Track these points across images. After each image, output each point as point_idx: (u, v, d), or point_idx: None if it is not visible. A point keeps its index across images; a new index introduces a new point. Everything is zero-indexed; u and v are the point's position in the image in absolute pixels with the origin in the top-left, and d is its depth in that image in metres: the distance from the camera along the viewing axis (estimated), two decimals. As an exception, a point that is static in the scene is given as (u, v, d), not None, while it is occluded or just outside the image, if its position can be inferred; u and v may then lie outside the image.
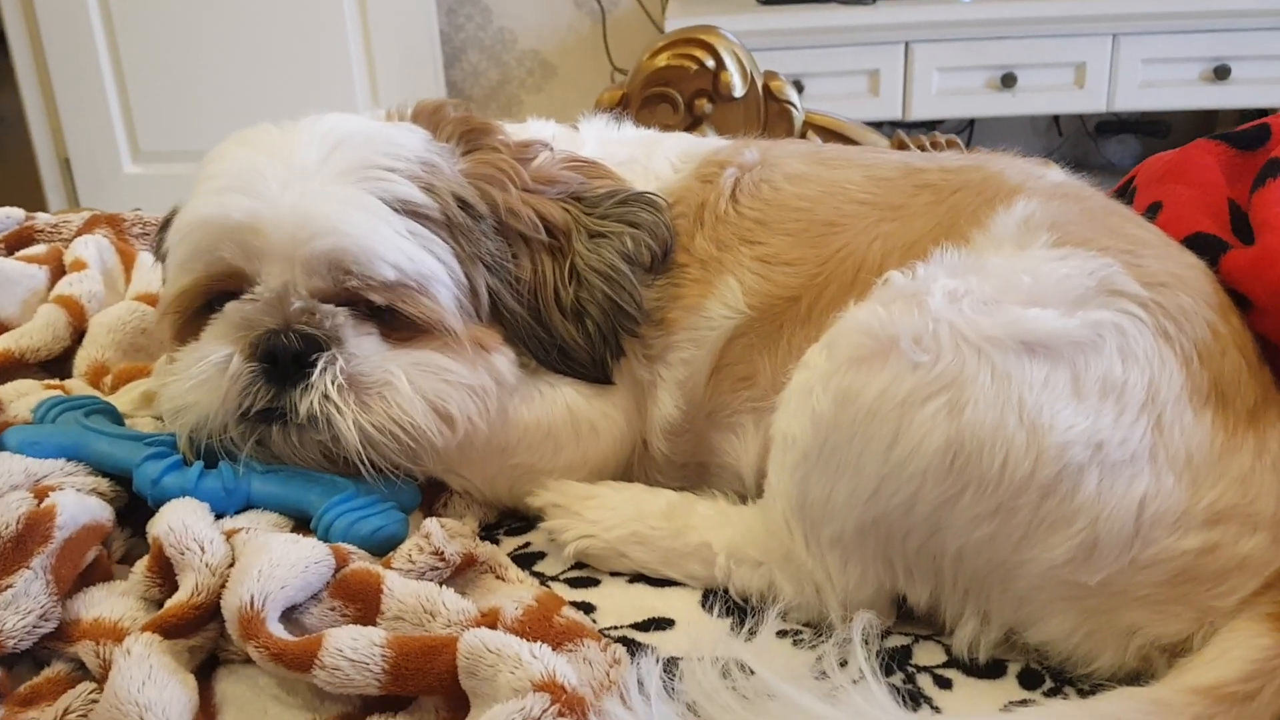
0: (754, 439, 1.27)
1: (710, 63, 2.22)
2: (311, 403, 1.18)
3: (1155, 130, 4.65)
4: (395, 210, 1.22)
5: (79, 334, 1.62)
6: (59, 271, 1.76)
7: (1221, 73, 3.85)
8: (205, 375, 1.20)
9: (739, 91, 2.23)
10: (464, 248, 1.26)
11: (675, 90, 2.26)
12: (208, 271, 1.23)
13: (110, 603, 1.09)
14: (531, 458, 1.30)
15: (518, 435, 1.29)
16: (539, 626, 1.03)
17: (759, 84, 2.25)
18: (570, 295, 1.30)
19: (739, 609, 1.15)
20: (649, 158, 1.42)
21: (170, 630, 1.04)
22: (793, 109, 2.27)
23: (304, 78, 4.27)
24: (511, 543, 1.29)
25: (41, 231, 1.93)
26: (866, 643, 1.02)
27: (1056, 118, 4.63)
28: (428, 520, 1.17)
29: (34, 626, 1.04)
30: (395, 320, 1.24)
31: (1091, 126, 4.69)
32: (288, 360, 1.19)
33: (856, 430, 1.05)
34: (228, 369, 1.19)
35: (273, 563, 1.05)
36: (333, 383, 1.18)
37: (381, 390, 1.20)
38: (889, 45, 3.87)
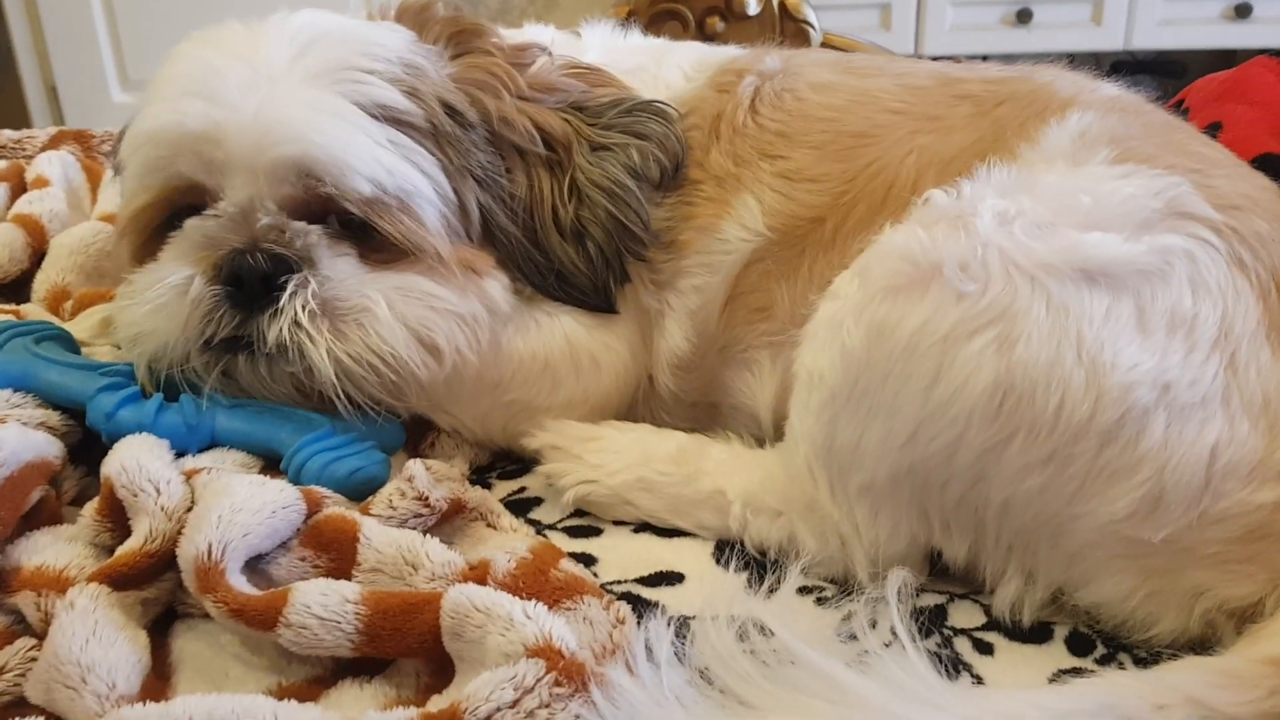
0: (771, 377, 1.15)
1: (722, -23, 2.08)
2: (281, 330, 1.06)
3: (1170, 71, 4.51)
4: (373, 116, 1.10)
5: (39, 256, 1.50)
6: (19, 189, 1.64)
7: (1243, 11, 3.72)
8: (164, 299, 1.08)
9: (753, 9, 2.09)
10: (451, 160, 1.13)
11: (685, 7, 2.12)
12: (165, 186, 1.11)
13: (55, 549, 0.97)
14: (527, 393, 1.19)
15: (511, 368, 1.18)
16: (534, 581, 0.92)
17: (774, 1, 2.11)
18: (570, 214, 1.18)
19: (755, 563, 1.04)
20: (658, 66, 1.29)
21: (120, 581, 0.92)
22: (810, 29, 2.13)
23: (289, 6, 4.10)
24: (505, 487, 1.18)
25: (3, 147, 1.80)
26: (900, 602, 0.90)
27: (1071, 56, 4.49)
28: (411, 461, 1.05)
29: (-33, 575, 0.93)
30: (374, 239, 1.12)
31: (1106, 66, 4.55)
32: (254, 282, 1.07)
33: (893, 367, 0.93)
34: (188, 292, 1.08)
35: (235, 507, 0.93)
36: (304, 308, 1.06)
37: (359, 317, 1.08)
38: (904, -24, 3.72)
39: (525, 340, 1.18)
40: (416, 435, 1.19)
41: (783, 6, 2.13)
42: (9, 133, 1.87)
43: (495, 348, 1.16)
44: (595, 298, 1.18)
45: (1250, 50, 4.03)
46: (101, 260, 1.49)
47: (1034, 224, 0.93)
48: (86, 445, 1.13)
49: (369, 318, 1.08)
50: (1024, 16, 3.74)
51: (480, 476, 1.20)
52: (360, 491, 1.05)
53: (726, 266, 1.17)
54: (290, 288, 1.06)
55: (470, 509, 1.06)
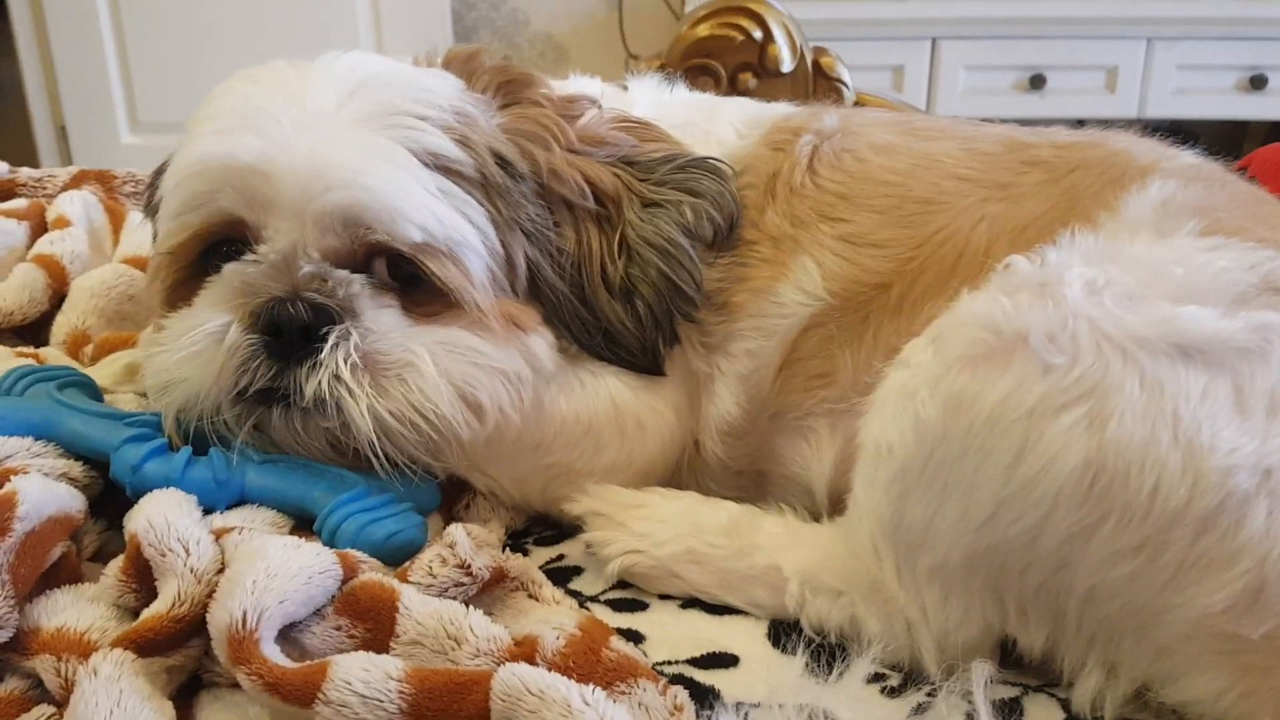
0: (829, 447, 1.10)
1: (757, 34, 2.05)
2: (320, 383, 1.01)
3: (1183, 141, 4.51)
4: (424, 164, 1.05)
5: (58, 298, 1.45)
6: (40, 229, 1.59)
7: (1258, 82, 3.73)
8: (198, 347, 1.03)
9: (787, 66, 2.06)
10: (500, 211, 1.09)
11: (718, 62, 2.08)
12: (206, 223, 1.06)
13: (77, 610, 0.92)
14: (569, 456, 1.13)
15: (554, 430, 1.12)
16: (586, 662, 0.86)
17: (808, 59, 2.08)
18: (619, 271, 1.13)
19: (814, 646, 0.98)
20: (709, 122, 1.25)
21: (146, 647, 0.87)
22: (843, 87, 2.10)
23: (310, 54, 4.08)
24: (543, 554, 1.12)
25: (24, 185, 1.76)
26: (983, 695, 0.85)
27: (1082, 123, 4.49)
28: (452, 526, 1.00)
29: (-17, 636, 0.87)
30: (418, 292, 1.07)
31: (1118, 135, 4.54)
32: (294, 333, 1.02)
33: (972, 442, 0.88)
34: (224, 340, 1.02)
35: (270, 572, 0.88)
36: (345, 361, 1.01)
37: (401, 372, 1.03)
38: (916, 40, 3.74)
39: (569, 400, 1.13)
40: (451, 496, 1.14)
41: (816, 65, 2.10)
42: (30, 171, 1.82)
43: (538, 407, 1.11)
44: (643, 359, 1.13)
45: (1264, 122, 4.04)
46: (124, 304, 1.45)
47: (1124, 295, 0.89)
48: (108, 497, 1.07)
49: (412, 373, 1.03)
50: (1037, 82, 3.75)
51: (516, 542, 1.14)
52: (397, 556, 1.00)
53: (782, 331, 1.12)
54: (331, 339, 1.01)
55: (512, 578, 1.00)
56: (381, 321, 1.04)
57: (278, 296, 1.02)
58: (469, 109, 1.11)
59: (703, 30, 2.08)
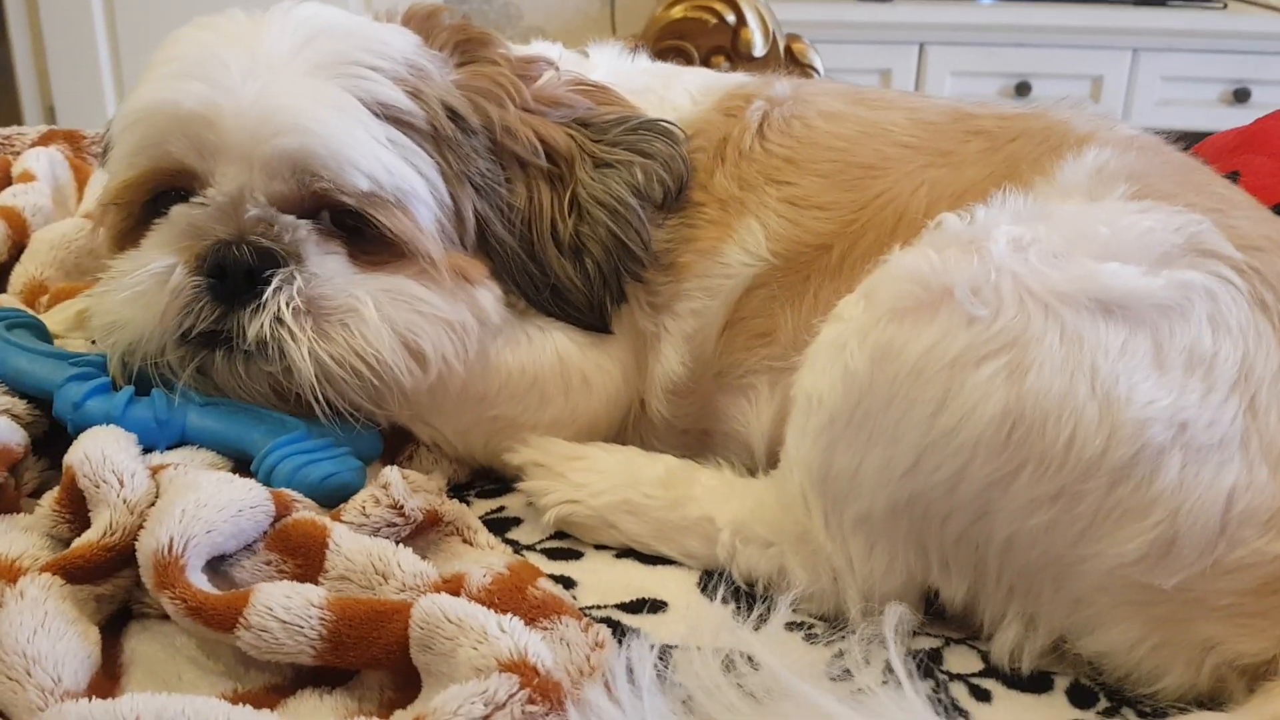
0: (768, 404, 1.11)
1: (731, 17, 2.07)
2: (262, 326, 1.02)
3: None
4: (374, 114, 1.06)
5: (18, 250, 1.45)
6: (5, 183, 1.59)
7: (1241, 95, 3.74)
8: (143, 288, 1.04)
9: (759, 51, 2.08)
10: (451, 164, 1.10)
11: (690, 45, 2.10)
12: (153, 169, 1.07)
13: (9, 538, 0.92)
14: (513, 410, 1.14)
15: (499, 383, 1.13)
16: (510, 598, 0.87)
17: (781, 45, 2.10)
18: (569, 229, 1.14)
19: (742, 594, 0.99)
20: (665, 88, 1.26)
21: (75, 573, 0.88)
22: (815, 75, 2.11)
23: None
24: (483, 505, 1.13)
25: (-8, 142, 1.76)
26: (897, 641, 0.86)
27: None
28: (387, 469, 1.01)
29: (-86, 559, 0.87)
30: (365, 240, 1.08)
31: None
32: (238, 276, 1.03)
33: (896, 392, 0.89)
34: (168, 282, 1.03)
35: (199, 502, 0.89)
36: (288, 304, 1.02)
37: (344, 317, 1.04)
38: (903, 45, 3.73)
39: (515, 354, 1.14)
40: (394, 447, 1.14)
41: (789, 50, 2.12)
42: (-2, 130, 1.83)
43: (483, 359, 1.12)
44: (590, 316, 1.15)
45: (1248, 135, 4.05)
46: (83, 258, 1.45)
47: (1049, 252, 0.90)
48: (52, 437, 1.08)
49: (355, 319, 1.04)
50: (1023, 90, 3.75)
51: (459, 494, 1.15)
52: (333, 498, 1.01)
53: (726, 291, 1.13)
54: (275, 283, 1.02)
55: (447, 522, 1.02)
56: (326, 267, 1.05)
57: (223, 239, 1.03)
58: (423, 63, 1.12)
59: (677, 12, 2.10)
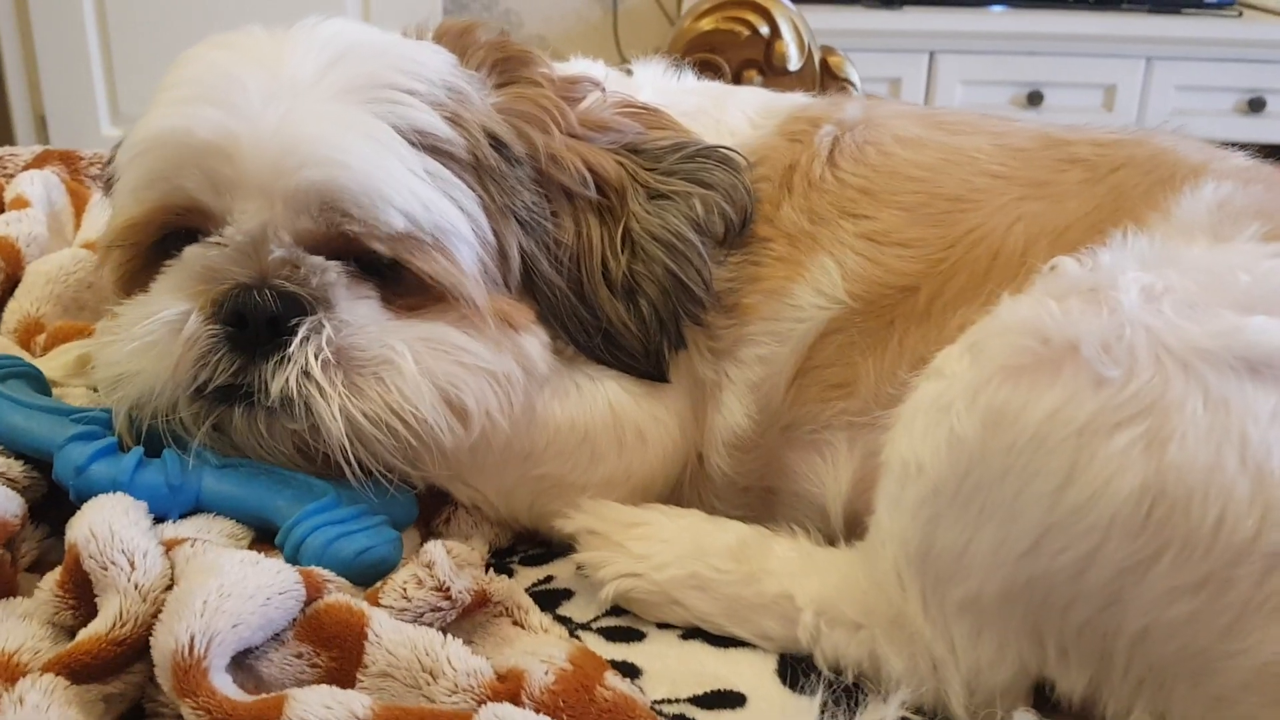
0: (847, 463, 1.01)
1: (764, 29, 1.97)
2: (287, 380, 0.91)
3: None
4: (410, 143, 0.95)
5: (12, 283, 1.34)
6: (-3, 209, 1.48)
7: (1256, 105, 3.68)
8: (154, 337, 0.93)
9: (794, 64, 1.97)
10: (494, 198, 0.99)
11: (722, 58, 1.99)
12: (163, 203, 0.96)
13: (7, 626, 0.81)
14: (561, 468, 1.04)
15: (546, 438, 1.03)
16: (578, 702, 0.76)
17: (816, 58, 2.00)
18: (622, 267, 1.03)
19: (828, 682, 0.88)
20: (720, 110, 1.16)
21: (82, 672, 0.77)
22: (851, 88, 2.01)
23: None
24: (529, 575, 1.03)
25: (-17, 163, 1.65)
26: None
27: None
28: (430, 544, 0.90)
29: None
30: (399, 282, 0.98)
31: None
32: (260, 324, 0.92)
33: (1013, 462, 0.79)
34: (182, 330, 0.92)
35: (223, 591, 0.78)
36: (316, 356, 0.91)
37: (379, 370, 0.93)
38: (913, 54, 3.65)
39: (563, 406, 1.03)
40: (429, 509, 1.04)
41: (824, 64, 2.01)
42: (-10, 150, 1.72)
43: (529, 413, 1.01)
44: (645, 363, 1.04)
45: (1262, 145, 3.97)
46: (81, 292, 1.34)
47: (1184, 302, 0.80)
48: (51, 501, 0.97)
49: (390, 372, 0.93)
50: (1035, 98, 3.68)
51: (500, 560, 1.04)
52: (368, 575, 0.90)
53: (798, 336, 1.03)
54: (302, 332, 0.92)
55: (495, 603, 0.91)
56: (358, 314, 0.94)
57: (243, 283, 0.93)
58: (461, 85, 1.01)
59: (707, 24, 1.99)
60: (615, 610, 0.97)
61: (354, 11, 4.06)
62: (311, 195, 0.93)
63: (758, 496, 1.09)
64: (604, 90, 1.12)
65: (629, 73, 1.24)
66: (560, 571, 1.03)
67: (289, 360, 0.92)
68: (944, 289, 0.98)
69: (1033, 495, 0.78)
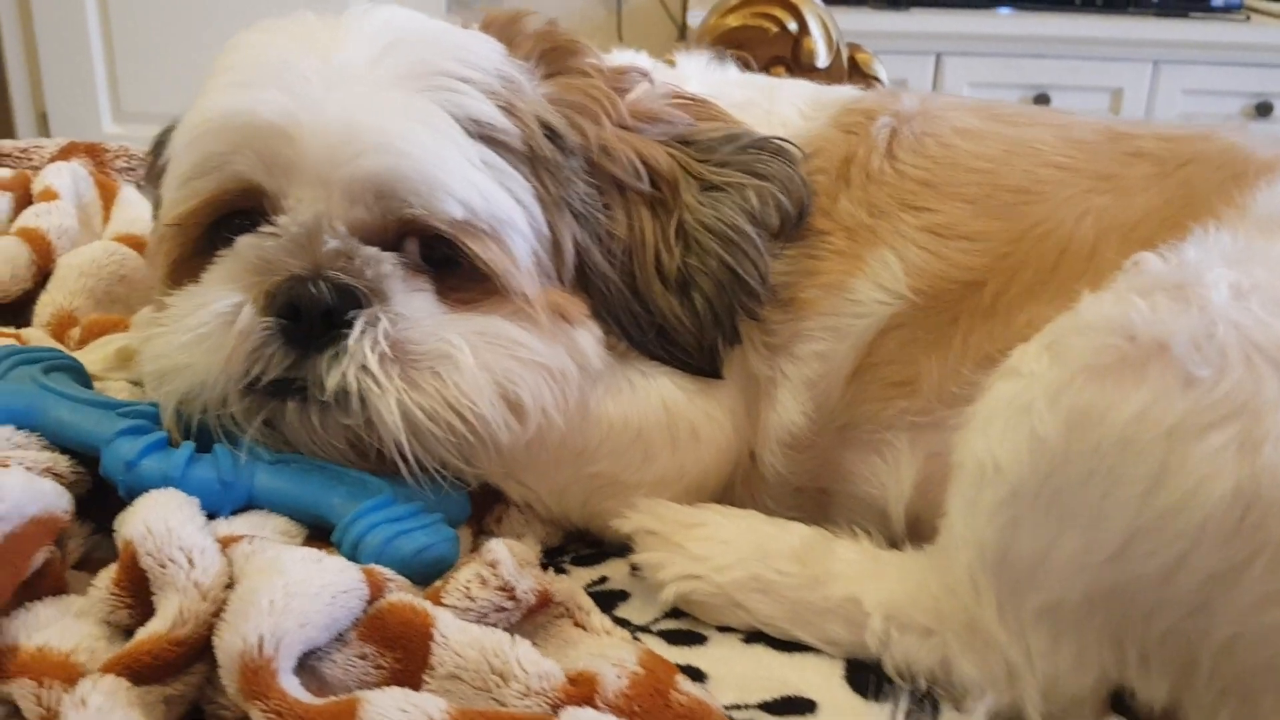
0: (909, 464, 0.98)
1: (792, 25, 1.94)
2: (345, 375, 0.89)
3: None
4: (467, 132, 0.93)
5: (43, 275, 1.32)
6: (25, 201, 1.46)
7: (1263, 109, 3.66)
8: (205, 329, 0.91)
9: (823, 61, 1.94)
10: (548, 189, 0.97)
11: (749, 54, 1.96)
12: (219, 189, 0.94)
13: (61, 626, 0.79)
14: (615, 466, 1.01)
15: (599, 436, 1.01)
16: (654, 706, 0.74)
17: (844, 55, 1.97)
18: (676, 261, 1.01)
19: (896, 688, 0.86)
20: (770, 101, 1.14)
21: (142, 673, 0.74)
22: (880, 85, 1.98)
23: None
24: (583, 575, 1.00)
25: (8, 155, 1.63)
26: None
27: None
28: (493, 542, 0.88)
29: (-47, 655, 0.75)
30: (453, 276, 0.95)
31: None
32: (314, 316, 0.90)
33: (1099, 465, 0.77)
34: (235, 323, 0.90)
35: (289, 589, 0.75)
36: (373, 349, 0.89)
37: (435, 364, 0.91)
38: (920, 55, 3.62)
39: (617, 403, 1.01)
40: (480, 507, 1.01)
41: (852, 61, 1.99)
42: (13, 141, 1.69)
43: (582, 410, 0.99)
44: (699, 359, 1.02)
45: (1269, 150, 3.98)
46: (114, 285, 1.32)
47: (1273, 300, 0.78)
48: (96, 496, 0.95)
49: (448, 366, 0.91)
50: (1041, 101, 3.66)
51: (552, 560, 1.02)
52: (427, 574, 0.88)
53: (857, 332, 1.00)
54: (359, 325, 0.89)
55: (557, 603, 0.88)
56: (414, 307, 0.92)
57: (297, 275, 0.90)
58: (514, 74, 0.99)
59: (734, 20, 1.97)
60: (674, 613, 0.95)
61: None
62: (369, 184, 0.91)
63: (811, 497, 1.06)
64: (652, 81, 1.10)
65: (672, 64, 1.22)
66: (614, 572, 1.01)
67: (345, 354, 0.89)
68: (1010, 284, 0.96)
69: (1119, 499, 0.76)
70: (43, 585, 0.84)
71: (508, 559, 0.85)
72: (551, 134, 0.98)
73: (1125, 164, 1.00)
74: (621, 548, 1.01)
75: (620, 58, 1.17)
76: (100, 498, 0.94)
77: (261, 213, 0.94)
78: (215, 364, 0.90)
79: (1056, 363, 0.80)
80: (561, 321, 0.97)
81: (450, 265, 0.95)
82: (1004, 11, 3.63)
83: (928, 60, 3.62)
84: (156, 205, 1.07)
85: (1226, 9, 3.61)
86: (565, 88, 1.03)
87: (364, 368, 0.89)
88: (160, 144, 1.08)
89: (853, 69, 1.99)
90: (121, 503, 0.88)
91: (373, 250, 0.92)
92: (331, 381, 0.89)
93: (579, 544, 1.05)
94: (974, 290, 0.97)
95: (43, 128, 4.28)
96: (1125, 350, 0.77)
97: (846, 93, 1.16)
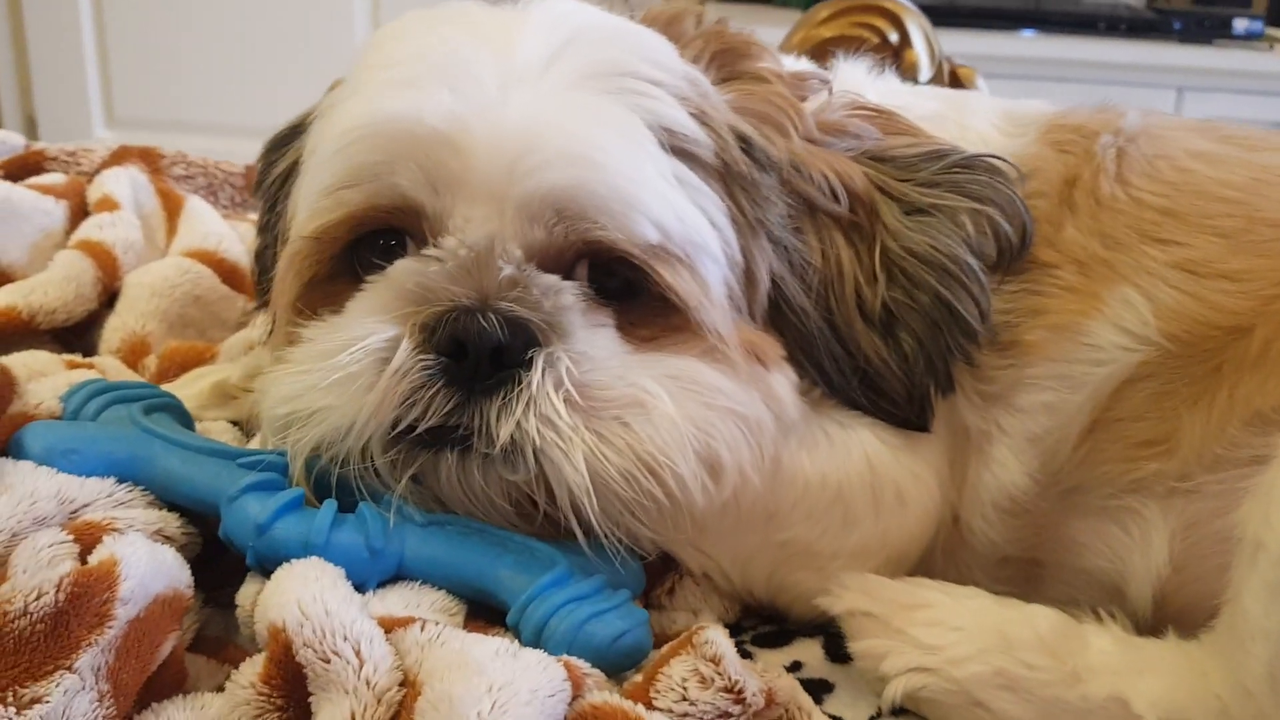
0: (1161, 536, 0.84)
1: (893, 36, 1.81)
2: (521, 423, 0.75)
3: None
4: (659, 142, 0.79)
5: (108, 295, 1.18)
6: (80, 211, 1.31)
7: (1282, 127, 3.56)
8: (356, 367, 0.76)
9: (925, 75, 1.81)
10: (744, 210, 0.84)
11: (847, 67, 1.83)
12: (369, 203, 0.80)
13: (196, 731, 0.65)
14: (810, 532, 0.87)
15: (793, 496, 0.86)
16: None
17: (946, 70, 1.84)
18: (879, 295, 0.87)
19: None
20: (961, 114, 1.00)
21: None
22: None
23: (302, 56, 3.74)
24: (768, 658, 0.86)
25: (54, 159, 1.47)
26: None
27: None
28: (710, 631, 0.73)
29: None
30: (632, 310, 0.81)
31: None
32: (482, 355, 0.76)
33: None
34: (390, 361, 0.76)
35: (498, 701, 0.61)
36: (557, 390, 0.75)
37: (625, 413, 0.77)
38: (942, 77, 3.52)
39: (813, 459, 0.87)
40: (650, 576, 0.87)
41: (953, 76, 1.86)
42: (58, 145, 1.54)
43: (774, 466, 0.85)
44: (907, 409, 0.88)
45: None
46: (187, 307, 1.18)
47: None
48: (205, 560, 0.80)
49: (639, 416, 0.77)
50: (1053, 111, 3.57)
51: (731, 638, 0.87)
52: (622, 664, 0.74)
53: (1094, 382, 0.86)
54: (539, 366, 0.75)
55: (777, 704, 0.74)
56: (597, 345, 0.78)
57: (463, 305, 0.76)
58: (700, 77, 0.86)
59: (828, 31, 1.84)
60: (898, 710, 0.81)
61: (363, 10, 3.91)
62: (552, 201, 0.77)
63: (1019, 569, 0.92)
64: (831, 90, 0.96)
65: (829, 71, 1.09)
66: (807, 656, 0.86)
67: (520, 399, 0.75)
68: (1283, 331, 0.82)
69: None
70: (165, 676, 0.69)
71: (732, 654, 0.71)
72: (747, 146, 0.85)
73: (1397, 194, 0.87)
74: (811, 626, 0.87)
75: (795, 64, 1.03)
76: (206, 561, 0.80)
77: (414, 233, 0.80)
78: (364, 407, 0.76)
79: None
80: (757, 364, 0.84)
81: (628, 296, 0.81)
82: (1028, 34, 3.54)
83: (951, 82, 3.53)
84: (267, 222, 0.93)
85: (1249, 37, 3.54)
86: (746, 95, 0.90)
87: (545, 416, 0.75)
88: (274, 149, 0.94)
89: (954, 84, 1.87)
90: (232, 568, 0.74)
91: (551, 278, 0.78)
92: (504, 431, 0.75)
93: (754, 618, 0.91)
94: (1240, 337, 0.84)
95: (30, 131, 4.11)
96: None
97: (1044, 108, 1.02)
